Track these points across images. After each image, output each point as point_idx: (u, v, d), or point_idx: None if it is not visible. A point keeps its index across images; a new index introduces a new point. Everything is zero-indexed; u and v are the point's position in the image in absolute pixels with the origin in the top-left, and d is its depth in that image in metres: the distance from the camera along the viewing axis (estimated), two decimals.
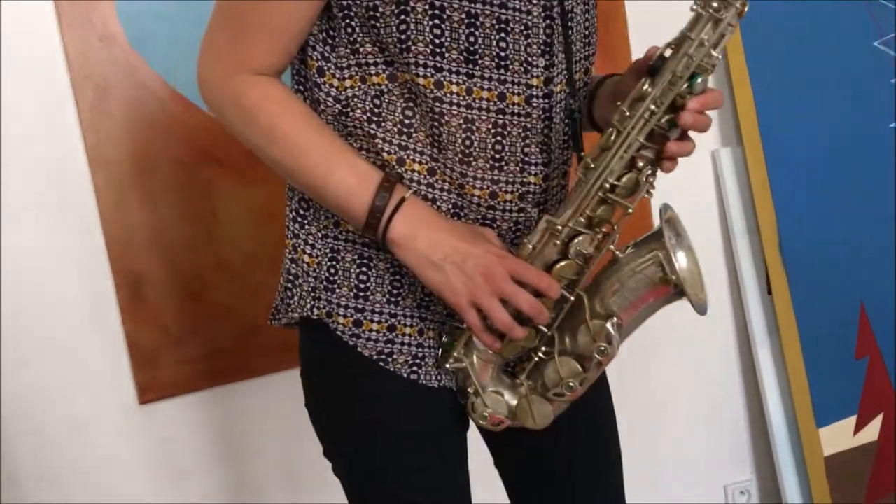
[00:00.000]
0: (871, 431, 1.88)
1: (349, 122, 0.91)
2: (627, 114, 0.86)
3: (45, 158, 1.44)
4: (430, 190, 0.91)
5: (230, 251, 1.53)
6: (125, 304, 1.49)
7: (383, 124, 0.90)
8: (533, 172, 0.93)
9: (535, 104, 0.90)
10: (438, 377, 0.96)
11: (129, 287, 1.49)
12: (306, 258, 0.95)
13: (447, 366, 0.94)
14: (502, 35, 0.87)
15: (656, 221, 0.95)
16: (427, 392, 0.95)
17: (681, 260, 0.90)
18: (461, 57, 0.87)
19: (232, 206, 1.52)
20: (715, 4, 0.83)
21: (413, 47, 0.86)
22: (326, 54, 0.90)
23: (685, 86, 0.84)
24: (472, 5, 0.85)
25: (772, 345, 1.90)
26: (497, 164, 0.91)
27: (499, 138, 0.90)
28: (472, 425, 0.99)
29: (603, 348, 0.89)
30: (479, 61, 0.87)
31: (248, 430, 1.60)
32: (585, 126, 1.03)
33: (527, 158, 0.92)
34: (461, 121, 0.89)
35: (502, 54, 0.88)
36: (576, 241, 0.89)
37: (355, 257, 0.94)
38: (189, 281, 1.51)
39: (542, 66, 0.90)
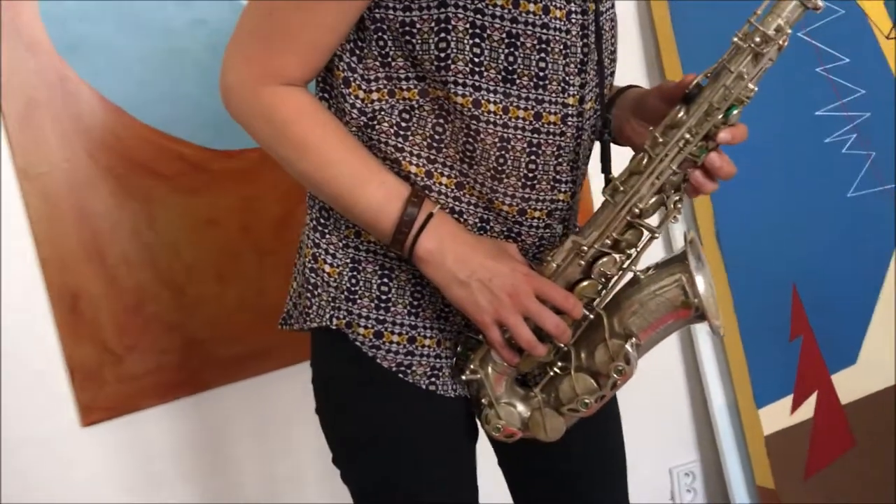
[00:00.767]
0: (807, 410, 1.94)
1: (374, 135, 0.90)
2: (661, 140, 0.86)
3: None
4: (457, 203, 0.91)
5: (171, 263, 1.48)
6: (62, 322, 1.43)
7: (411, 138, 0.89)
8: (563, 190, 0.93)
9: (569, 123, 0.91)
10: (454, 387, 0.96)
11: (65, 304, 1.43)
12: (327, 268, 0.94)
13: (463, 377, 0.94)
14: (542, 55, 0.87)
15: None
16: (444, 402, 0.96)
17: (701, 284, 0.91)
18: (500, 76, 0.86)
19: (170, 216, 1.48)
20: (758, 39, 0.83)
21: (452, 66, 0.85)
22: (353, 65, 0.88)
23: (720, 116, 0.85)
24: (514, 26, 0.85)
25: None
26: (530, 183, 0.91)
27: (533, 157, 0.90)
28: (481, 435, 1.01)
29: (621, 368, 0.90)
30: (518, 81, 0.87)
31: (201, 447, 1.56)
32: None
33: (558, 177, 0.92)
34: (496, 139, 0.88)
35: (541, 74, 0.87)
36: (600, 262, 0.89)
37: (377, 268, 0.93)
38: (129, 295, 1.46)
39: (577, 85, 0.90)
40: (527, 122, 0.88)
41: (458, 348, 0.96)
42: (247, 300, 1.54)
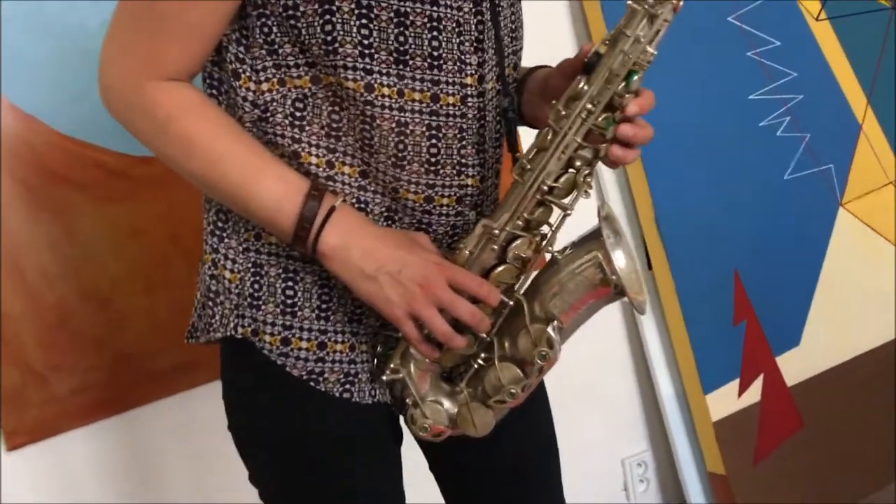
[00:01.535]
0: (754, 393, 1.95)
1: (269, 128, 0.85)
2: (563, 113, 0.84)
3: None
4: (362, 193, 0.88)
5: (94, 276, 1.42)
6: None
7: (308, 128, 0.85)
8: (470, 174, 0.90)
9: (469, 104, 0.88)
10: (372, 392, 0.92)
11: None
12: (227, 274, 0.90)
13: (383, 378, 0.91)
14: (434, 34, 0.84)
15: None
16: (361, 410, 0.91)
17: (619, 260, 0.89)
18: (391, 58, 0.83)
19: (90, 227, 1.41)
20: (651, 0, 0.82)
21: (340, 49, 0.81)
22: (241, 55, 0.84)
23: (622, 84, 0.83)
24: (402, 4, 0.81)
25: (656, 318, 1.94)
26: (433, 168, 0.88)
27: (434, 141, 0.87)
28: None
29: (544, 353, 0.88)
30: (411, 62, 0.84)
31: (133, 468, 1.50)
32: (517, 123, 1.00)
33: (463, 161, 0.89)
34: (394, 124, 0.85)
35: (435, 53, 0.84)
36: (514, 244, 0.87)
37: (280, 271, 0.89)
38: (50, 312, 1.40)
39: (474, 64, 0.87)
40: (424, 105, 0.85)
41: (378, 348, 0.93)
42: (178, 310, 1.47)
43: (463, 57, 0.86)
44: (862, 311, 2.08)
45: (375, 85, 0.83)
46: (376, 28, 0.81)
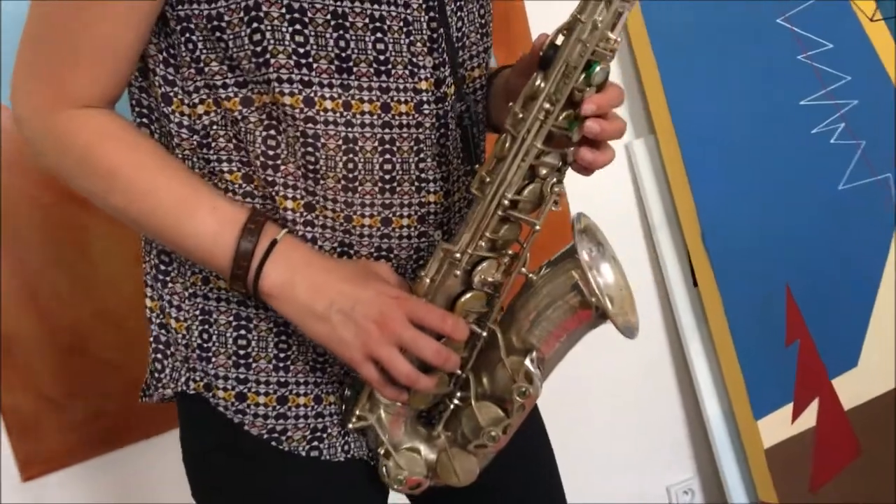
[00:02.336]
0: (809, 418, 1.83)
1: (212, 155, 0.77)
2: (521, 115, 0.75)
3: None
4: (308, 229, 0.78)
5: (110, 298, 1.36)
6: None
7: (247, 156, 0.77)
8: (431, 190, 0.81)
9: (426, 111, 0.78)
10: (346, 447, 0.83)
11: None
12: (173, 323, 0.81)
13: (350, 426, 0.81)
14: (378, 35, 0.74)
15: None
16: (332, 469, 0.82)
17: (605, 275, 0.80)
18: (332, 66, 0.74)
19: (106, 246, 1.35)
20: None
21: (272, 60, 0.72)
22: (170, 77, 0.76)
23: (582, 77, 0.73)
24: (338, 4, 0.72)
25: (702, 338, 1.84)
26: (388, 186, 0.79)
27: (388, 156, 0.78)
28: None
29: (524, 389, 0.78)
30: (355, 69, 0.74)
31: (153, 498, 1.43)
32: (486, 130, 0.91)
33: (422, 175, 0.80)
34: (340, 142, 0.76)
35: (381, 58, 0.75)
36: (479, 268, 0.77)
37: (230, 318, 0.80)
38: (66, 336, 1.34)
39: (429, 67, 0.78)
40: (374, 117, 0.76)
41: (346, 392, 0.83)
42: None
43: (414, 59, 0.76)
44: None
45: (316, 98, 0.74)
46: (312, 34, 0.72)
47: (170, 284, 0.82)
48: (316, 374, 0.82)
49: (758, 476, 1.81)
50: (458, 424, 0.81)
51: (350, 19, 0.73)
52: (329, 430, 0.82)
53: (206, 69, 0.74)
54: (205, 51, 0.74)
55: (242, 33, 0.71)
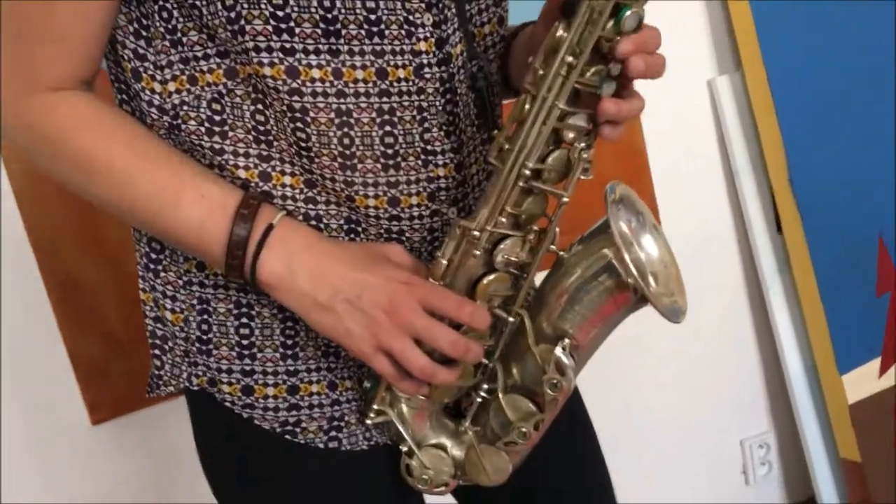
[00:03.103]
0: None
1: (185, 137, 0.69)
2: (541, 72, 0.65)
3: None
4: (311, 206, 0.71)
5: None
6: (62, 314, 1.30)
7: (231, 134, 0.69)
8: (440, 163, 0.72)
9: (427, 75, 0.69)
10: (367, 434, 0.76)
11: (64, 294, 1.30)
12: (169, 315, 0.75)
13: (368, 422, 0.74)
14: None
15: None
16: (355, 460, 0.76)
17: (646, 249, 0.71)
18: (318, 30, 0.65)
19: None
20: None
21: (248, 27, 0.64)
22: (141, 51, 0.68)
23: (610, 24, 0.63)
24: None
25: (784, 287, 1.74)
26: (392, 162, 0.70)
27: (388, 128, 0.69)
28: None
29: (555, 381, 0.70)
30: (344, 31, 0.66)
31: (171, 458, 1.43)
32: (506, 93, 0.82)
33: (429, 147, 0.71)
34: (332, 115, 0.68)
35: (372, 17, 0.66)
36: (501, 247, 0.69)
37: (230, 307, 0.73)
38: (132, 281, 1.31)
39: (429, 25, 0.68)
40: (370, 85, 0.67)
41: (365, 383, 0.75)
42: None
43: (411, 17, 0.67)
44: None
45: (300, 68, 0.66)
46: None
47: (162, 274, 0.75)
48: (328, 360, 0.75)
49: (840, 432, 1.74)
50: (486, 419, 0.74)
51: None
52: (347, 418, 0.76)
53: (185, 39, 0.67)
54: (181, 19, 0.66)
55: None
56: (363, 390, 0.75)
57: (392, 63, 0.68)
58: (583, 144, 0.67)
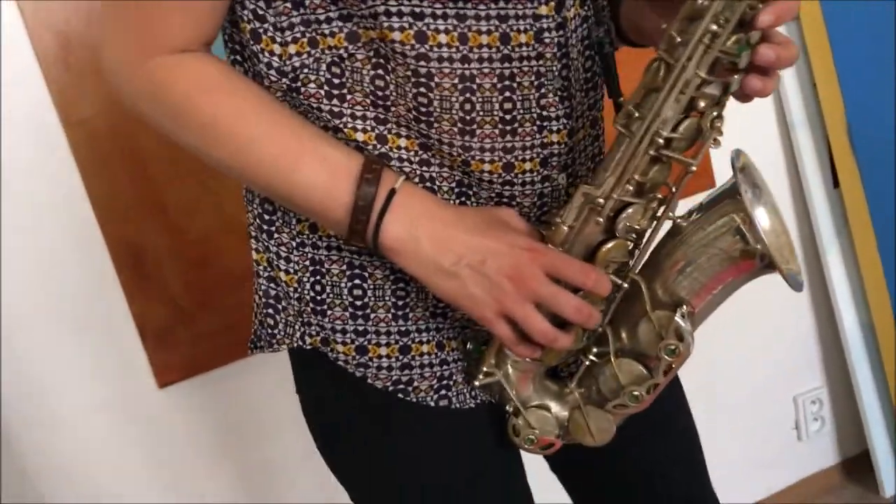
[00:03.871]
0: None
1: (303, 100, 0.69)
2: (679, 40, 0.64)
3: (10, 121, 1.23)
4: (425, 168, 0.71)
5: (238, 208, 1.31)
6: (126, 279, 1.31)
7: (349, 97, 0.69)
8: (554, 129, 0.72)
9: (546, 40, 0.69)
10: (473, 394, 0.78)
11: (128, 260, 1.31)
12: (283, 276, 0.75)
13: (476, 383, 0.76)
14: None
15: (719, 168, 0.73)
16: (462, 417, 0.77)
17: (763, 221, 0.71)
18: None
19: None
20: None
21: None
22: (261, 12, 0.68)
23: None
24: None
25: (841, 244, 1.72)
26: (509, 128, 0.70)
27: (507, 94, 0.69)
28: None
29: (673, 347, 0.71)
30: None
31: (281, 403, 1.45)
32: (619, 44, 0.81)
33: (545, 113, 0.71)
34: (456, 80, 0.67)
35: None
36: (624, 214, 0.69)
37: (343, 268, 0.74)
38: (195, 247, 1.33)
39: None
40: (493, 50, 0.67)
41: (468, 345, 0.77)
42: None
43: None
44: None
45: (429, 32, 0.65)
46: None
47: (276, 235, 0.75)
48: (437, 321, 0.76)
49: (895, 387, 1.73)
50: (593, 381, 0.75)
51: None
52: (455, 378, 0.77)
53: (307, 2, 0.66)
54: None
55: None
56: (466, 352, 0.77)
57: (515, 28, 0.67)
58: (714, 113, 0.66)
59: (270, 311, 0.78)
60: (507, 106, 0.70)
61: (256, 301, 0.80)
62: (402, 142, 0.70)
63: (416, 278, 0.70)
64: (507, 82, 0.69)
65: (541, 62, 0.69)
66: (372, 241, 0.68)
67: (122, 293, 1.32)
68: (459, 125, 0.69)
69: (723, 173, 1.62)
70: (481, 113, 0.69)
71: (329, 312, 0.75)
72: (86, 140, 1.26)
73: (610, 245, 0.70)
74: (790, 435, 1.87)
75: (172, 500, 1.41)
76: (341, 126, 0.69)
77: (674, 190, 0.70)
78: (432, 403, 0.76)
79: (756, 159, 0.76)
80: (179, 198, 1.31)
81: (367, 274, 0.74)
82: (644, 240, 0.71)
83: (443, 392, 0.77)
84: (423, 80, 0.67)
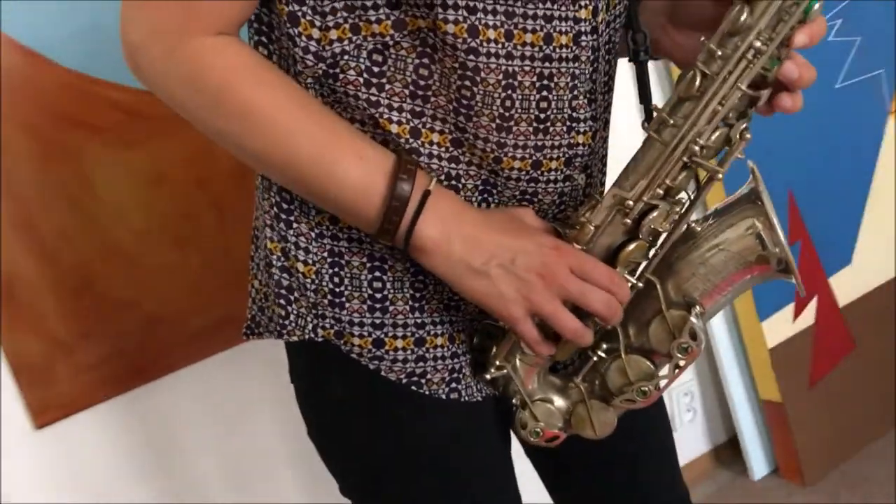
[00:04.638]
0: (808, 316, 1.87)
1: (339, 87, 0.68)
2: (719, 53, 0.67)
3: None
4: (453, 166, 0.71)
5: (118, 231, 1.26)
6: None
7: (388, 87, 0.69)
8: (581, 130, 0.74)
9: (583, 43, 0.71)
10: (479, 388, 0.79)
11: None
12: (300, 266, 0.74)
13: (487, 376, 0.77)
14: None
15: None
16: (471, 409, 0.78)
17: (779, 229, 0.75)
18: None
19: (110, 176, 1.24)
20: None
21: None
22: None
23: (799, 13, 0.66)
24: None
25: None
26: (542, 127, 0.72)
27: (544, 93, 0.71)
28: None
29: (686, 346, 0.73)
30: None
31: (174, 434, 1.38)
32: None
33: (574, 114, 0.73)
34: (500, 76, 0.68)
35: None
36: (649, 217, 0.71)
37: (364, 260, 0.74)
38: (73, 274, 1.24)
39: None
40: (535, 49, 0.69)
41: (475, 339, 0.79)
42: (212, 263, 1.34)
43: None
44: None
45: (480, 27, 0.66)
46: None
47: (294, 225, 0.74)
48: (451, 313, 0.77)
49: (761, 376, 1.85)
50: (598, 376, 0.78)
51: None
52: (464, 371, 0.78)
53: None
54: None
55: None
56: (474, 347, 0.78)
57: (558, 29, 0.69)
58: (744, 125, 0.69)
59: (282, 301, 0.76)
60: (543, 105, 0.71)
61: (257, 286, 0.80)
62: (435, 136, 0.70)
63: (442, 278, 0.70)
64: (545, 81, 0.70)
65: (576, 64, 0.71)
66: (404, 241, 0.68)
67: None
68: (498, 121, 0.70)
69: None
70: (519, 110, 0.70)
71: (347, 305, 0.74)
72: None
73: (632, 246, 0.72)
74: None
75: None
76: (377, 116, 0.69)
77: (697, 195, 0.72)
78: (444, 396, 0.77)
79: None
80: (55, 222, 1.22)
81: (387, 266, 0.74)
82: (659, 241, 0.74)
83: (453, 385, 0.77)
84: (469, 73, 0.67)
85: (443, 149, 0.71)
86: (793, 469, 1.89)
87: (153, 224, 1.28)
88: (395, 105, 0.69)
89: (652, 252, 0.73)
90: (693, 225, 0.75)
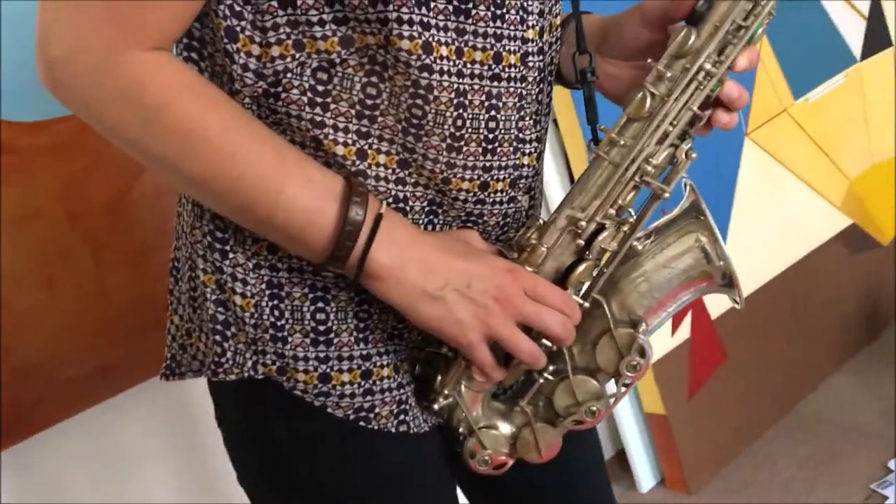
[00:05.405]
0: (684, 331, 1.94)
1: (281, 107, 0.64)
2: (668, 75, 0.68)
3: None
4: (400, 188, 0.68)
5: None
6: None
7: (333, 106, 0.65)
8: (527, 151, 0.73)
9: (530, 64, 0.70)
10: (425, 417, 0.76)
11: None
12: (238, 299, 0.69)
13: (435, 406, 0.74)
14: None
15: None
16: (419, 441, 0.75)
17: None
18: (451, 6, 0.64)
19: None
20: None
21: None
22: (238, 8, 0.62)
23: (747, 38, 0.68)
24: None
25: None
26: (490, 147, 0.70)
27: (493, 113, 0.69)
28: None
29: (636, 363, 0.73)
30: (474, 11, 0.65)
31: (60, 487, 1.26)
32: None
33: (521, 135, 0.72)
34: (452, 94, 0.66)
35: (499, 0, 0.66)
36: (600, 237, 0.71)
37: (305, 291, 0.69)
38: None
39: (536, 13, 0.70)
40: (485, 68, 0.68)
41: (417, 368, 0.76)
42: (86, 305, 1.24)
43: (526, 4, 0.68)
44: (771, 237, 2.12)
45: (433, 43, 0.64)
46: None
47: (231, 255, 0.69)
48: (394, 342, 0.73)
49: (644, 390, 1.90)
50: (542, 399, 0.76)
51: None
52: (410, 401, 0.74)
53: (299, 2, 0.62)
54: None
55: None
56: (416, 376, 0.75)
57: (507, 48, 0.68)
58: (688, 144, 0.70)
59: (218, 337, 0.70)
60: (492, 125, 0.70)
61: (177, 322, 0.75)
62: (382, 158, 0.67)
63: (394, 306, 0.66)
64: (493, 101, 0.69)
65: (523, 85, 0.70)
66: (356, 268, 0.64)
67: None
68: (449, 141, 0.68)
69: None
70: (470, 130, 0.69)
71: (289, 339, 0.70)
72: None
73: (582, 267, 0.71)
74: None
75: None
76: (321, 137, 0.65)
77: (642, 214, 0.72)
78: (393, 430, 0.73)
79: None
80: None
81: (330, 296, 0.70)
82: (604, 261, 0.73)
83: (402, 417, 0.73)
84: (422, 91, 0.65)
85: (389, 170, 0.68)
86: (678, 479, 1.95)
87: (21, 264, 1.17)
88: (341, 125, 0.66)
89: (596, 272, 0.73)
90: (635, 243, 0.75)
